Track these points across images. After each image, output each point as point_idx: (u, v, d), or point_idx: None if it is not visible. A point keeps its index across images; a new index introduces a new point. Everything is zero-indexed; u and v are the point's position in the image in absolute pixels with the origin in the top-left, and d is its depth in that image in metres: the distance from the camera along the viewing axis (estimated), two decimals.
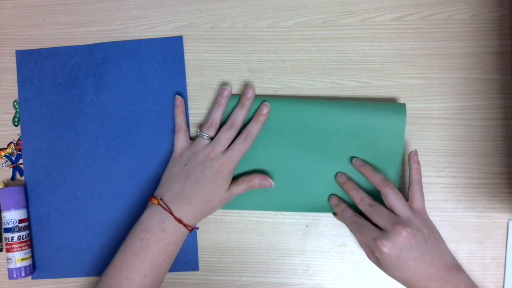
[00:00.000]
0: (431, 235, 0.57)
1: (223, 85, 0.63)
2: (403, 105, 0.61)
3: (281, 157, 0.63)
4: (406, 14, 0.63)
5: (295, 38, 0.64)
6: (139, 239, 0.57)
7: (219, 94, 0.62)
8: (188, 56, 0.65)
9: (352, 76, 0.63)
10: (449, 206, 0.62)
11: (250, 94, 0.61)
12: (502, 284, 0.62)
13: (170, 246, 0.57)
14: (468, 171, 0.62)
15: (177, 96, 0.63)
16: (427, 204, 0.62)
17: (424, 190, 0.61)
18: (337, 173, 0.62)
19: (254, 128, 0.60)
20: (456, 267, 0.56)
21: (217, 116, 0.61)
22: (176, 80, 0.65)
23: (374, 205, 0.58)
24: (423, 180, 0.62)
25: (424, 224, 0.57)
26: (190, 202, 0.58)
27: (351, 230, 0.60)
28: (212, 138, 0.60)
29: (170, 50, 0.65)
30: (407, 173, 0.62)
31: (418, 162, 0.60)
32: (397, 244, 0.55)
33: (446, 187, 0.63)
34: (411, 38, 0.63)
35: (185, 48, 0.65)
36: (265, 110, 0.60)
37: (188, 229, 0.58)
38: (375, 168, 0.60)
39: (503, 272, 0.62)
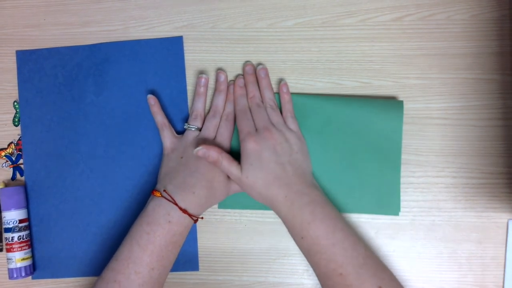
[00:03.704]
0: (298, 153, 0.59)
1: (199, 74, 0.63)
2: (401, 102, 0.61)
3: None
4: (406, 15, 0.63)
5: (295, 39, 0.64)
6: (145, 232, 0.56)
7: (196, 84, 0.63)
8: (188, 56, 0.65)
9: (352, 76, 0.64)
10: (449, 206, 0.62)
11: (222, 78, 0.63)
12: (502, 284, 0.62)
13: (177, 237, 0.57)
14: (468, 171, 0.63)
15: (150, 96, 0.63)
16: (427, 204, 0.62)
17: (424, 190, 0.62)
18: (245, 62, 0.63)
19: (229, 106, 0.62)
20: (315, 186, 0.59)
21: (200, 107, 0.63)
22: (176, 80, 0.65)
23: (261, 107, 0.61)
24: (423, 180, 0.62)
25: (296, 142, 0.60)
26: (194, 191, 0.58)
27: (237, 116, 0.62)
28: (200, 129, 0.61)
29: (170, 50, 0.65)
30: (405, 173, 0.62)
31: (287, 93, 0.62)
32: (262, 142, 0.58)
33: (446, 187, 0.63)
34: (411, 39, 0.63)
35: (185, 48, 0.65)
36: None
37: (193, 219, 0.58)
38: (373, 161, 0.61)
39: (502, 272, 0.62)
